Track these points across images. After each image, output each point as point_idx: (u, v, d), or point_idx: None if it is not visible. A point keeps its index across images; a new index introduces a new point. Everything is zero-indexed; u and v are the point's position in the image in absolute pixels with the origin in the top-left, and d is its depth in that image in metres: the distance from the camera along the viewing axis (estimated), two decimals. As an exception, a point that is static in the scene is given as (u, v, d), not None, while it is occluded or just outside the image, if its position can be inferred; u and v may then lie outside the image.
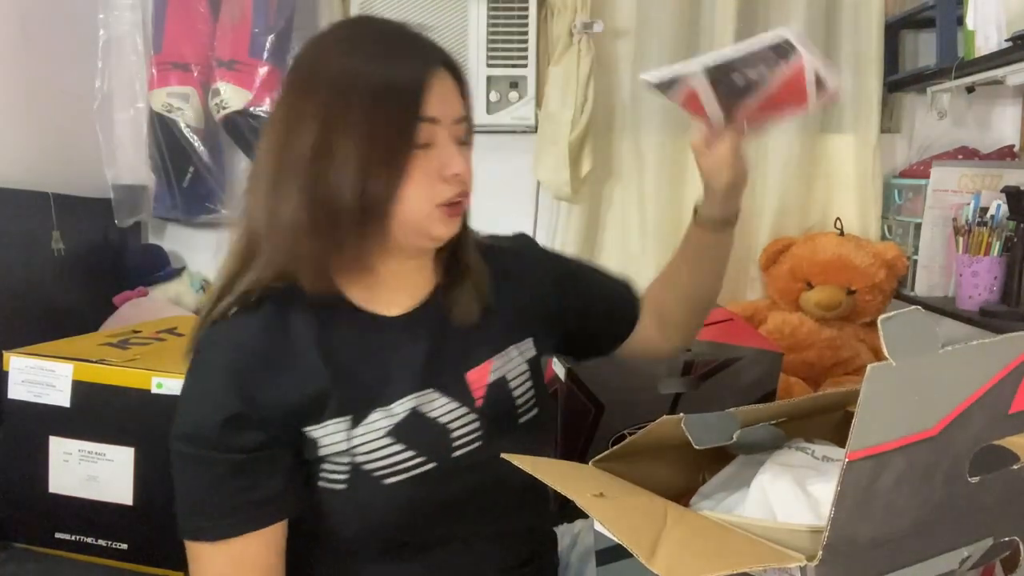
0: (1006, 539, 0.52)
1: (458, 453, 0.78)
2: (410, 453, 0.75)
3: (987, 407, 0.48)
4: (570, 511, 0.96)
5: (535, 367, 0.86)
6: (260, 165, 0.74)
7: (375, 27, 0.76)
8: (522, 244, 0.94)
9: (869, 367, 0.43)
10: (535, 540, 0.87)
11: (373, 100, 0.69)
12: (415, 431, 0.75)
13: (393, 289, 0.79)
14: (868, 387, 0.44)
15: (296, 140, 0.70)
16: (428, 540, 0.77)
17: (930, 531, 0.49)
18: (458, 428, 0.78)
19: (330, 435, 0.73)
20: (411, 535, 0.76)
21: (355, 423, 0.73)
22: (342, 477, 0.73)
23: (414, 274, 0.81)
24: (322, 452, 0.73)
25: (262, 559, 0.71)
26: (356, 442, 0.73)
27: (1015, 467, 0.52)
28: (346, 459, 0.73)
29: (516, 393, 0.83)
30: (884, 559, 0.48)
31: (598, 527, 0.56)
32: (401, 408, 0.75)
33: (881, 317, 0.44)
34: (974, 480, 0.50)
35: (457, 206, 0.75)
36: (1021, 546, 0.53)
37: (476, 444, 0.79)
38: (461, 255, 0.82)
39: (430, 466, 0.75)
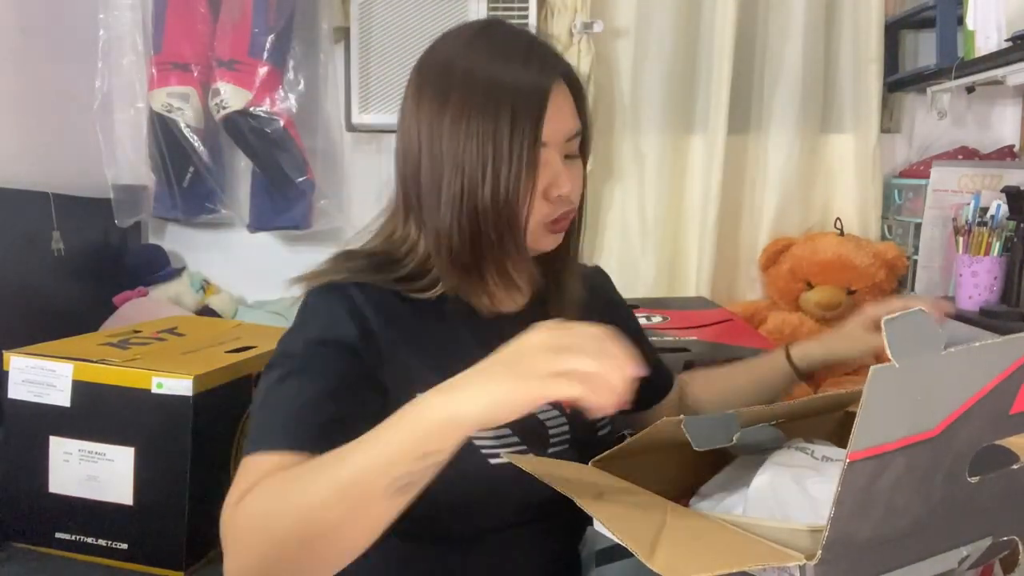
0: (1005, 538, 0.52)
1: (551, 451, 0.80)
2: (515, 439, 0.77)
3: (988, 408, 0.48)
4: None
5: None
6: (411, 160, 0.76)
7: (505, 34, 0.78)
8: (600, 279, 1.00)
9: (872, 368, 0.43)
10: (574, 537, 0.88)
11: (495, 118, 0.71)
12: (522, 421, 0.76)
13: (498, 289, 0.82)
14: (870, 388, 0.43)
15: (444, 143, 0.73)
16: (486, 528, 0.77)
17: (929, 530, 0.49)
18: (553, 428, 0.81)
19: None
20: (483, 520, 0.76)
21: None
22: None
23: (517, 279, 0.83)
24: None
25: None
26: None
27: (1015, 467, 0.52)
28: None
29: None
30: (883, 558, 0.48)
31: (598, 527, 0.56)
32: None
33: (885, 317, 0.44)
34: (974, 480, 0.50)
35: (561, 222, 0.78)
36: (1020, 545, 0.53)
37: (564, 446, 0.81)
38: (561, 268, 0.86)
39: (511, 450, 0.77)
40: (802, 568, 0.45)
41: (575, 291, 0.87)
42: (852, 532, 0.46)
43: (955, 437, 0.48)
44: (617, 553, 0.63)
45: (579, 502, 0.56)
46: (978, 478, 0.50)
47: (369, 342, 0.73)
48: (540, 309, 0.86)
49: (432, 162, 0.74)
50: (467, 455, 0.72)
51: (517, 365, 0.53)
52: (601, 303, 0.95)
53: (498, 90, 0.71)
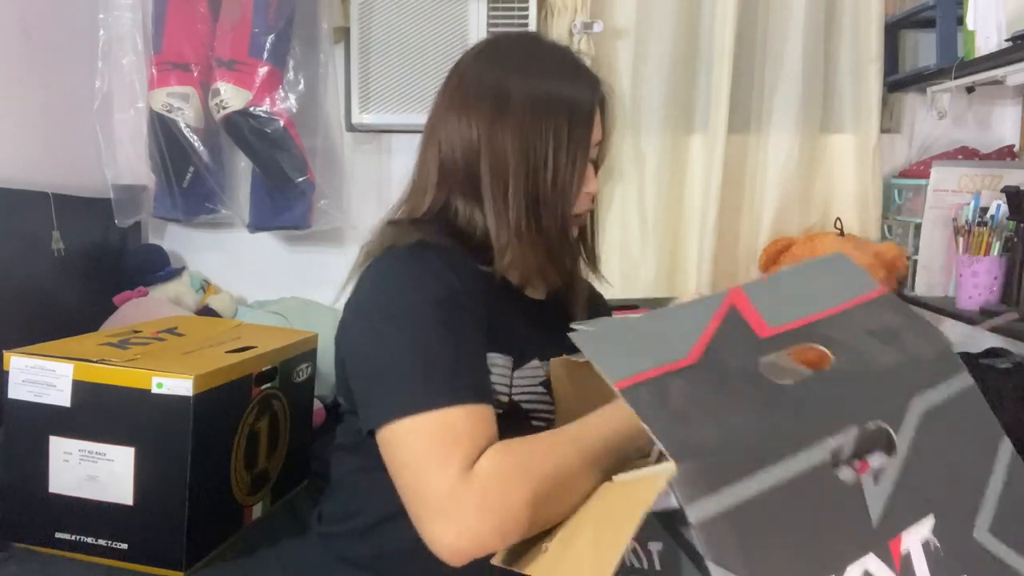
0: (872, 425, 0.53)
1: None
2: (554, 407, 0.83)
3: (730, 336, 0.55)
4: None
5: None
6: (492, 171, 0.85)
7: (551, 48, 0.91)
8: (603, 300, 1.10)
9: (572, 334, 0.54)
10: None
11: (568, 117, 0.84)
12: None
13: (537, 274, 0.91)
14: (584, 346, 0.52)
15: (508, 141, 0.83)
16: None
17: (781, 430, 0.51)
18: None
19: (496, 366, 0.80)
20: None
21: (516, 365, 0.81)
22: (499, 412, 0.72)
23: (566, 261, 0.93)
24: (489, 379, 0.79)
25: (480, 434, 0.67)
26: (518, 382, 0.81)
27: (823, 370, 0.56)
28: (505, 397, 0.80)
29: None
30: (748, 459, 0.49)
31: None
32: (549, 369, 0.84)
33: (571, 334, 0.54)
34: (788, 383, 0.53)
35: (583, 216, 0.92)
36: (891, 431, 0.53)
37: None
38: (573, 266, 0.96)
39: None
40: (672, 485, 0.46)
41: (584, 289, 0.99)
42: (690, 440, 0.48)
43: (719, 361, 0.54)
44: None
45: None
46: (792, 382, 0.53)
47: (468, 293, 0.77)
48: (556, 301, 0.96)
49: (493, 156, 0.84)
50: (513, 418, 0.79)
51: None
52: (598, 309, 1.05)
53: (557, 100, 0.84)
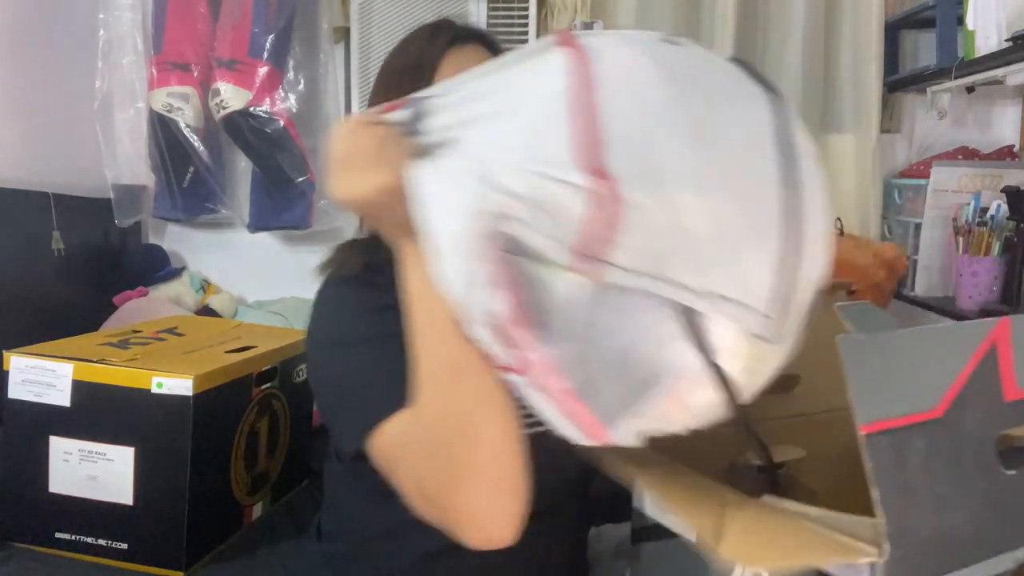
0: None
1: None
2: (530, 412, 0.76)
3: (979, 391, 0.49)
4: (616, 512, 0.96)
5: None
6: None
7: (412, 33, 0.84)
8: None
9: (838, 338, 0.45)
10: (582, 532, 0.89)
11: (397, 82, 0.77)
12: None
13: None
14: (847, 360, 0.45)
15: None
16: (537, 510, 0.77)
17: (988, 528, 0.49)
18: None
19: None
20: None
21: None
22: None
23: None
24: None
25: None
26: None
27: None
28: None
29: None
30: (948, 556, 0.48)
31: (641, 504, 0.55)
32: None
33: (836, 304, 0.46)
34: (1011, 473, 0.50)
35: None
36: None
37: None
38: None
39: (541, 429, 0.75)
40: (872, 568, 0.46)
41: None
42: (910, 523, 0.46)
43: (961, 421, 0.48)
44: (658, 532, 0.61)
45: (626, 479, 0.55)
46: (1015, 471, 0.50)
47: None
48: None
49: None
50: None
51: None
52: None
53: (393, 66, 0.81)
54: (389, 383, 0.66)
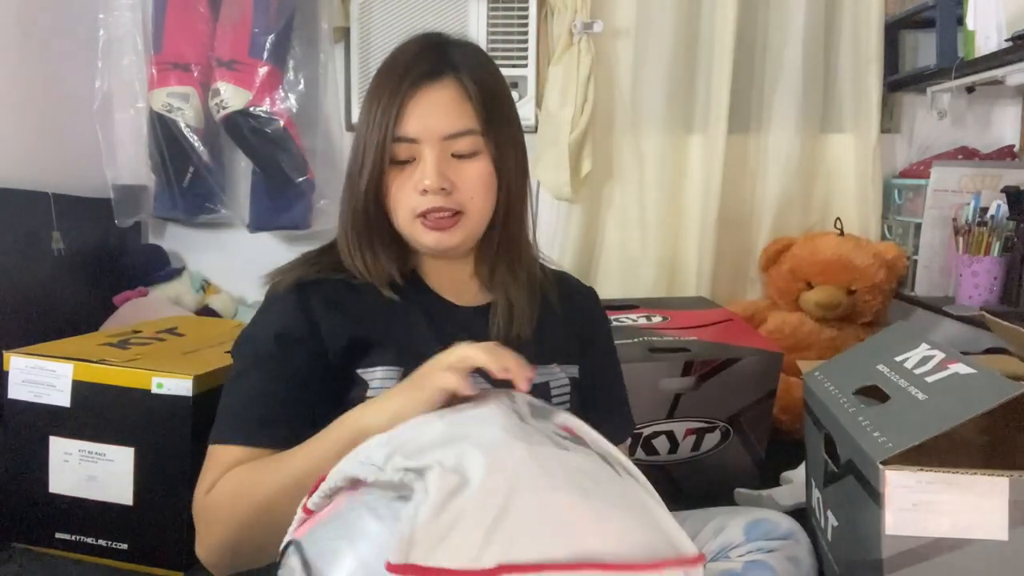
0: None
1: None
2: None
3: None
4: None
5: (576, 386, 0.88)
6: None
7: (398, 49, 0.84)
8: (592, 299, 1.00)
9: None
10: None
11: (366, 121, 0.80)
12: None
13: (452, 283, 0.86)
14: None
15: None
16: None
17: None
18: None
19: (380, 379, 0.78)
20: None
21: (407, 373, 0.73)
22: None
23: (461, 275, 0.87)
24: (371, 395, 0.78)
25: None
26: None
27: None
28: None
29: (556, 401, 0.84)
30: None
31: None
32: None
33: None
34: None
35: (436, 220, 0.80)
36: None
37: None
38: (496, 270, 0.86)
39: None
40: None
41: (520, 301, 0.86)
42: None
43: None
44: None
45: None
46: None
47: (314, 332, 0.79)
48: (488, 309, 0.87)
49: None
50: None
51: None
52: (589, 316, 0.96)
53: (372, 93, 0.81)
54: (224, 411, 0.76)
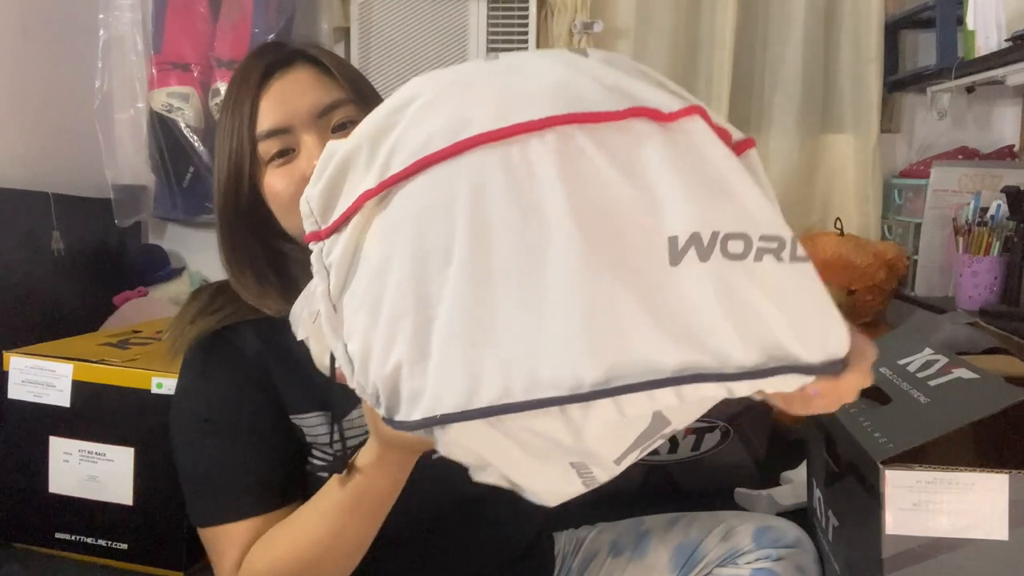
0: None
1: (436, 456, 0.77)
2: None
3: None
4: (565, 517, 0.97)
5: None
6: None
7: (241, 62, 0.79)
8: None
9: None
10: (528, 536, 0.88)
11: (224, 134, 0.75)
12: None
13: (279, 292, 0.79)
14: None
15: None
16: (415, 531, 0.77)
17: None
18: None
19: (314, 426, 0.76)
20: (401, 527, 0.74)
21: (337, 417, 0.71)
22: (326, 464, 0.75)
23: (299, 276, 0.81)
24: (309, 440, 0.76)
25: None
26: (348, 433, 0.71)
27: None
28: (330, 449, 0.75)
29: None
30: None
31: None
32: None
33: None
34: None
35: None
36: None
37: None
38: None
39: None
40: None
41: None
42: None
43: None
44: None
45: None
46: None
47: (266, 383, 0.75)
48: None
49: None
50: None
51: None
52: None
53: (223, 106, 0.76)
54: (199, 491, 0.74)
